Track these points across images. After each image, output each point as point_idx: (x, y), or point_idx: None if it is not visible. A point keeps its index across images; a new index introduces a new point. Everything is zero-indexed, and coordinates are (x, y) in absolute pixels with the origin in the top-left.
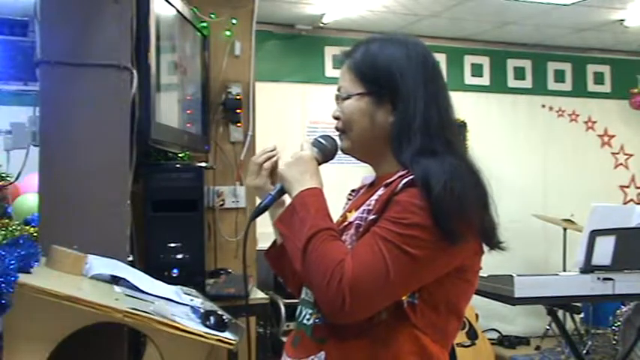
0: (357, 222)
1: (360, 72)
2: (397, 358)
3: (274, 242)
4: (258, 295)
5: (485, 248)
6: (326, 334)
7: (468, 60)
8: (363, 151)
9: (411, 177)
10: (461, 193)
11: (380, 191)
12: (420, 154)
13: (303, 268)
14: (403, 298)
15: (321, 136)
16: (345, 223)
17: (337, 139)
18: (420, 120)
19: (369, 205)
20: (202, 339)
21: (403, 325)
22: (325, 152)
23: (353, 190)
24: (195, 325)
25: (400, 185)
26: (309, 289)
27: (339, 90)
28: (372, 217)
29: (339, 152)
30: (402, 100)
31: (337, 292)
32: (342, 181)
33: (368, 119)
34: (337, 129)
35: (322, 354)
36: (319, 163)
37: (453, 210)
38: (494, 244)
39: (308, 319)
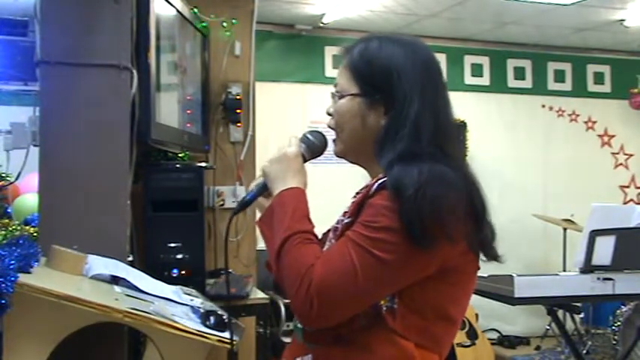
0: (335, 226)
1: (357, 71)
2: None
3: None
4: (258, 295)
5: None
6: (314, 338)
7: (468, 60)
8: (354, 153)
9: (385, 179)
10: (435, 196)
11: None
12: (400, 158)
13: (277, 272)
14: (382, 302)
15: (309, 132)
16: (330, 227)
17: (326, 135)
18: (410, 126)
19: (347, 208)
20: (202, 339)
21: (382, 331)
22: (312, 149)
23: (357, 192)
24: (195, 325)
25: (374, 188)
26: None
27: (335, 86)
28: (346, 220)
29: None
30: (396, 105)
31: (305, 298)
32: (341, 181)
33: (359, 121)
34: (329, 127)
35: (309, 357)
36: (306, 160)
37: (424, 213)
38: (491, 255)
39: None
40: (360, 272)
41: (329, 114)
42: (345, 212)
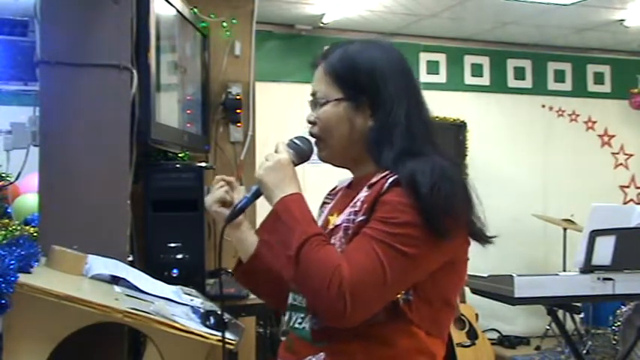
0: (344, 225)
1: (338, 76)
2: (398, 356)
3: (239, 260)
4: None
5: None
6: (325, 337)
7: (468, 60)
8: (341, 157)
9: (396, 176)
10: (449, 190)
11: (364, 192)
12: (404, 155)
13: (296, 276)
14: (398, 296)
15: (296, 137)
16: (331, 227)
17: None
18: (404, 124)
19: (354, 206)
20: (202, 339)
21: (401, 323)
22: (301, 154)
23: (329, 193)
24: (195, 325)
25: (386, 185)
26: (298, 294)
27: (313, 95)
28: (360, 218)
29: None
30: (383, 105)
31: (338, 297)
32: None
33: (347, 125)
34: (312, 134)
35: (321, 355)
36: (295, 165)
37: (441, 207)
38: (485, 240)
39: (300, 323)
40: (387, 267)
41: (310, 122)
42: (356, 211)
